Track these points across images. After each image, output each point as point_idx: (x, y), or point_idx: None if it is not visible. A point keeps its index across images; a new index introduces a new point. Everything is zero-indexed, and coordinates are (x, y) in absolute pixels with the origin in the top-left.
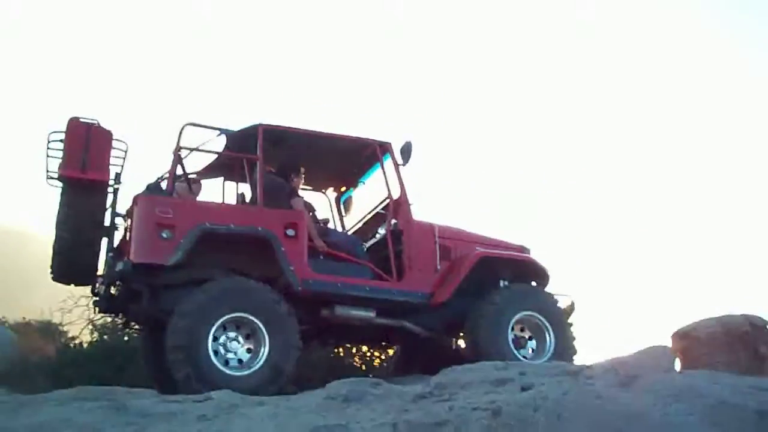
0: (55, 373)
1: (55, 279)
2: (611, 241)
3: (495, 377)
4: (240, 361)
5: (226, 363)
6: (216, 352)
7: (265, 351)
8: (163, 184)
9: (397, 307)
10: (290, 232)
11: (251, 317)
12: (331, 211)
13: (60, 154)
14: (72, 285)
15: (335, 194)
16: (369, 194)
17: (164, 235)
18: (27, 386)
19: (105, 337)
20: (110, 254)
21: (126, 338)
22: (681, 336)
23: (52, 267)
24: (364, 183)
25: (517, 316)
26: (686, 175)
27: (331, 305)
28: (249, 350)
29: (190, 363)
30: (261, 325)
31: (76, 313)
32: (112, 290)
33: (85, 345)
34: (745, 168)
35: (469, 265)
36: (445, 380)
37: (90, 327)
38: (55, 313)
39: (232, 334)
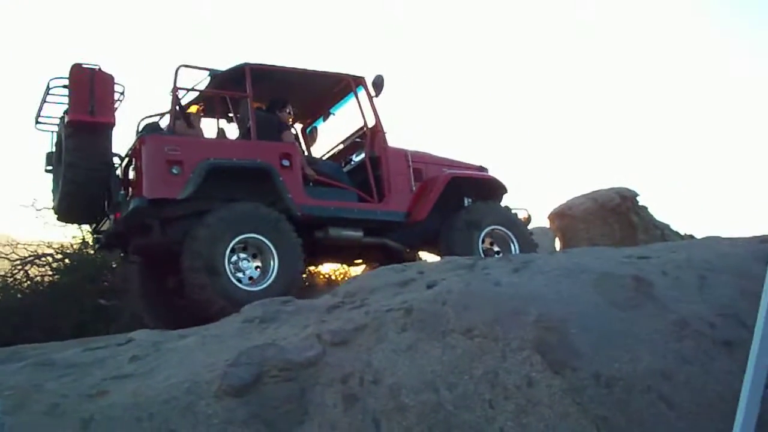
0: None
1: (61, 219)
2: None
3: (398, 279)
4: (251, 278)
5: (239, 281)
6: (230, 272)
7: (275, 267)
8: (161, 124)
9: (380, 227)
10: (285, 162)
11: (260, 237)
12: (298, 141)
13: (59, 99)
14: (78, 224)
15: (301, 126)
16: (333, 125)
17: (174, 171)
18: None
19: None
20: (122, 192)
21: (20, 296)
22: (558, 215)
23: (59, 208)
24: (334, 114)
25: (487, 230)
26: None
27: (325, 227)
28: (258, 268)
29: (210, 280)
30: (270, 244)
31: None
32: (116, 226)
33: None
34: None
35: (441, 186)
36: (352, 288)
37: None
38: None
39: (242, 255)
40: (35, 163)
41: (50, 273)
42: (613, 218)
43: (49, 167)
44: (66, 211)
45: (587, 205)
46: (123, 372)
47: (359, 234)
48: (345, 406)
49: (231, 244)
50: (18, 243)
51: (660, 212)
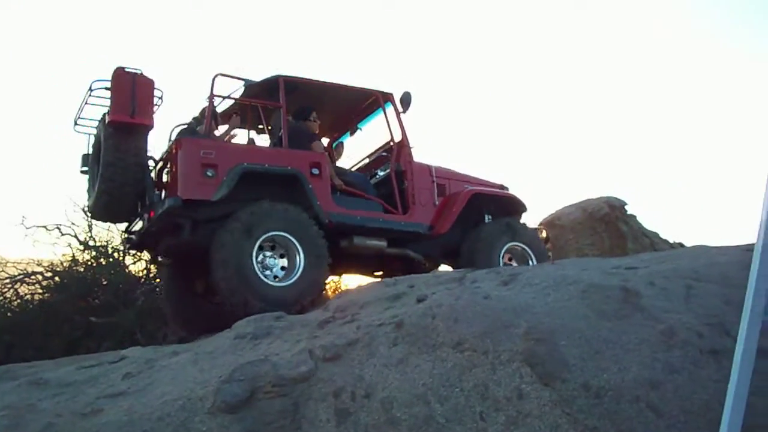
0: None
1: (96, 217)
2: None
3: (389, 293)
4: (276, 277)
5: (266, 278)
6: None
7: (300, 264)
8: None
9: (403, 237)
10: (315, 171)
11: (287, 235)
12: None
13: (100, 102)
14: (112, 222)
15: (328, 140)
16: (358, 140)
17: (209, 174)
18: None
19: None
20: (156, 193)
21: (9, 314)
22: (546, 225)
23: (95, 206)
24: (360, 129)
25: (506, 247)
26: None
27: (350, 236)
28: (283, 268)
29: (237, 275)
30: (296, 242)
31: None
32: (148, 225)
33: None
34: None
35: (463, 200)
36: (343, 303)
37: None
38: None
39: (268, 253)
40: (23, 182)
41: (40, 291)
42: (601, 228)
43: (85, 168)
44: (102, 209)
45: (576, 215)
46: (117, 390)
47: (383, 244)
48: (338, 421)
49: (258, 242)
50: (7, 261)
51: (649, 221)
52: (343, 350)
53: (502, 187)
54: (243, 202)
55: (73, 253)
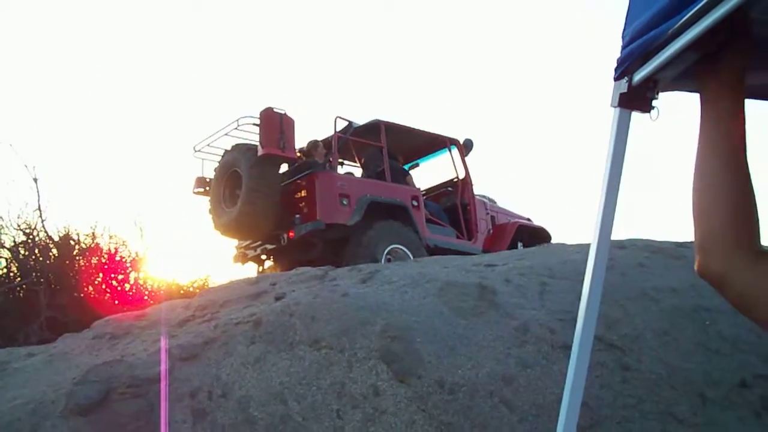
0: None
1: (233, 235)
2: None
3: (251, 291)
4: None
5: None
6: None
7: None
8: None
9: None
10: (414, 203)
11: (403, 248)
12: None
13: (238, 134)
14: (245, 240)
15: None
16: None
17: (344, 203)
18: None
19: None
20: (298, 216)
21: None
22: None
23: (235, 225)
24: (419, 165)
25: None
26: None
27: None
28: None
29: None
30: (408, 252)
31: None
32: (288, 242)
33: None
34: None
35: (512, 230)
36: (205, 301)
37: None
38: None
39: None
40: None
41: None
42: None
43: (199, 189)
44: (243, 228)
45: None
46: None
47: None
48: (194, 421)
49: (386, 251)
50: None
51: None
52: (201, 349)
53: (529, 219)
54: (364, 225)
55: None
